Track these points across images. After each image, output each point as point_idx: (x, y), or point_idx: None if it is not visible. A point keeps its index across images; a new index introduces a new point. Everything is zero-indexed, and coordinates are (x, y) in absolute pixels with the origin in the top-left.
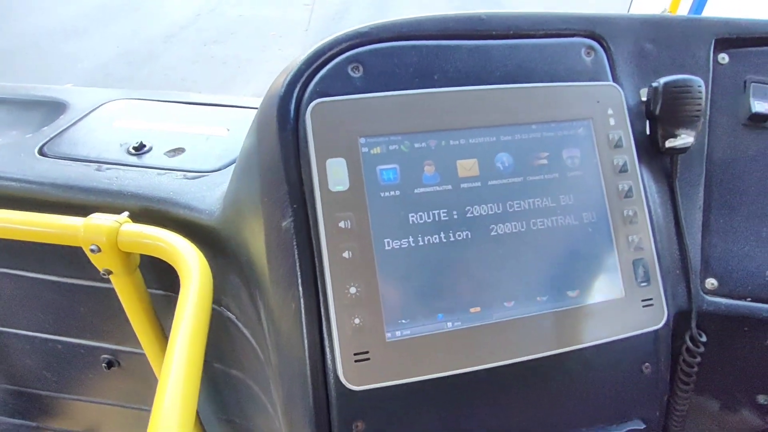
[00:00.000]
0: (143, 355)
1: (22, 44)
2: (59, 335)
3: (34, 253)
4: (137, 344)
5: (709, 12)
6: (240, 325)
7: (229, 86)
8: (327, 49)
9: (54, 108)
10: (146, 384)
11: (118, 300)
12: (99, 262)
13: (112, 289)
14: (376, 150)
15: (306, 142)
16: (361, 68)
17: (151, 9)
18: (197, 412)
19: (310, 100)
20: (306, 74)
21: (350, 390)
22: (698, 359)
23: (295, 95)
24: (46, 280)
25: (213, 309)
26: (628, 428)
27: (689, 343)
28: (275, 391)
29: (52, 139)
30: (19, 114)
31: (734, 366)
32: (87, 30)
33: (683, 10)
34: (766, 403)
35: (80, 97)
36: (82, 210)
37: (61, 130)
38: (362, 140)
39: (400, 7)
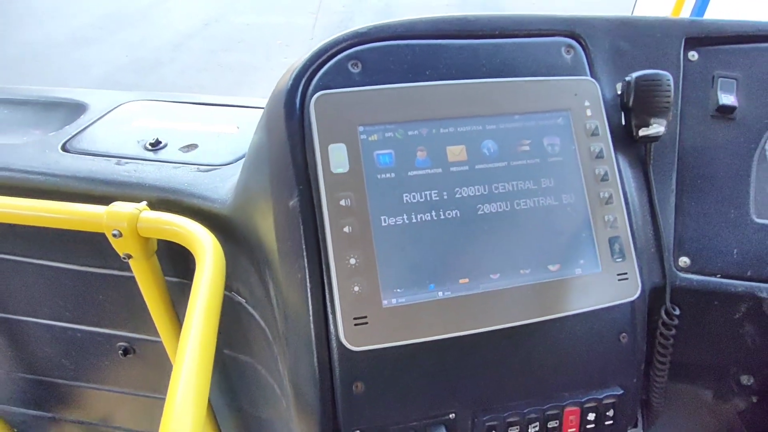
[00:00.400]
0: (157, 342)
1: (33, 52)
2: (78, 323)
3: (56, 243)
4: (152, 332)
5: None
6: (249, 308)
7: (236, 92)
8: (329, 48)
9: (75, 109)
10: (160, 370)
11: (135, 288)
12: (120, 246)
13: (130, 278)
14: (374, 137)
15: (310, 129)
16: (360, 65)
17: (159, 18)
18: (209, 400)
19: (314, 92)
20: (310, 70)
21: (350, 351)
22: (673, 331)
23: (300, 89)
24: (68, 269)
25: (224, 295)
26: (607, 393)
27: (664, 317)
28: (282, 361)
29: (74, 136)
30: (42, 114)
31: (709, 339)
32: (96, 39)
33: (685, 14)
34: (749, 383)
35: (99, 98)
36: (103, 200)
37: (82, 128)
38: (361, 128)
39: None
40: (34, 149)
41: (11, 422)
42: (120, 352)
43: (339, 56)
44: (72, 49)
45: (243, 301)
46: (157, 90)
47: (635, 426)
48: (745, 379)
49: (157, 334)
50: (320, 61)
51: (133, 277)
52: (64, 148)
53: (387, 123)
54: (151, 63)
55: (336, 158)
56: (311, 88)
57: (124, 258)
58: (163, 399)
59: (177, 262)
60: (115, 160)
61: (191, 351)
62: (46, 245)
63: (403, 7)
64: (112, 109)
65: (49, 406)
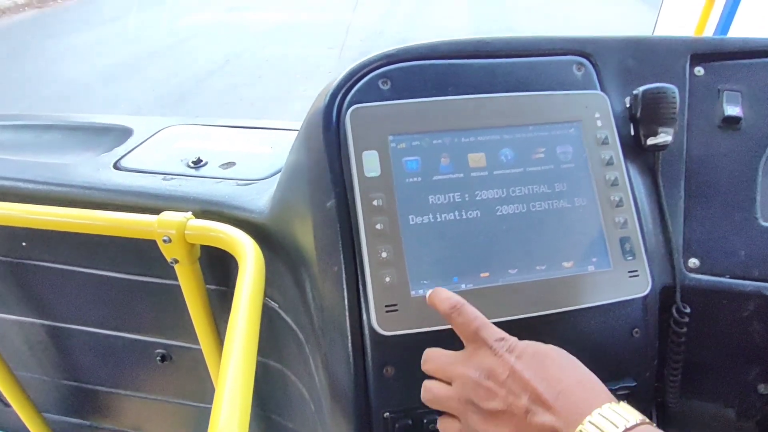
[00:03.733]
0: (192, 349)
1: (65, 91)
2: (120, 331)
3: (104, 253)
4: (188, 338)
5: (734, 33)
6: (282, 312)
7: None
8: (362, 68)
9: (122, 133)
10: (195, 377)
11: (175, 295)
12: (168, 252)
13: (171, 285)
14: (402, 145)
15: (346, 139)
16: (389, 82)
17: (182, 56)
18: None
19: (349, 106)
20: (345, 87)
21: (382, 336)
22: (684, 329)
23: (336, 104)
24: (113, 278)
25: None
26: (621, 384)
27: (675, 315)
28: (315, 360)
29: (123, 156)
30: (93, 138)
31: (720, 338)
32: (123, 76)
33: (709, 32)
34: (766, 392)
35: (143, 123)
36: (153, 211)
37: (130, 149)
38: (391, 137)
39: None
40: (89, 168)
41: (54, 430)
42: (158, 358)
43: (370, 75)
44: (100, 87)
45: (276, 306)
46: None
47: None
48: (763, 388)
49: (193, 340)
50: (354, 79)
51: (174, 285)
52: (115, 167)
53: (414, 133)
54: (175, 98)
55: (369, 164)
56: (346, 103)
57: (172, 262)
58: (197, 406)
59: (216, 270)
60: (161, 176)
61: (237, 352)
62: (95, 255)
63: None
64: (155, 133)
65: (87, 413)
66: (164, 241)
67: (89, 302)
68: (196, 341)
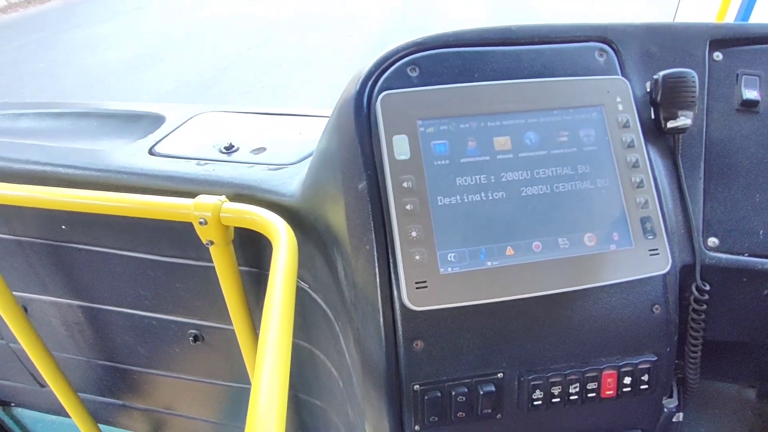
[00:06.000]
0: (224, 329)
1: (89, 80)
2: (155, 312)
3: (141, 235)
4: (220, 319)
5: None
6: (312, 293)
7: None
8: (391, 56)
9: (155, 120)
10: (227, 356)
11: (209, 277)
12: (204, 233)
13: (206, 267)
14: (431, 129)
15: (377, 124)
16: (417, 69)
17: (203, 46)
18: None
19: (380, 92)
20: (375, 74)
21: (412, 311)
22: (705, 307)
23: (367, 91)
24: (150, 260)
25: None
26: (642, 359)
27: (696, 293)
28: (345, 337)
29: (157, 143)
30: (126, 126)
31: (739, 315)
32: (146, 65)
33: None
34: None
35: (175, 111)
36: (187, 195)
37: (163, 136)
38: (420, 122)
39: None
40: (125, 154)
41: (88, 409)
42: (191, 339)
43: (399, 62)
44: (125, 75)
45: (306, 286)
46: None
47: (670, 396)
48: None
49: (224, 321)
50: (383, 67)
51: (209, 266)
52: (150, 152)
53: (442, 117)
54: (197, 86)
55: (399, 147)
56: (376, 89)
57: (207, 244)
58: (229, 386)
59: (249, 252)
60: (195, 161)
61: (273, 333)
62: (132, 238)
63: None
64: (187, 120)
65: (121, 393)
66: (200, 223)
67: (125, 284)
68: (227, 322)
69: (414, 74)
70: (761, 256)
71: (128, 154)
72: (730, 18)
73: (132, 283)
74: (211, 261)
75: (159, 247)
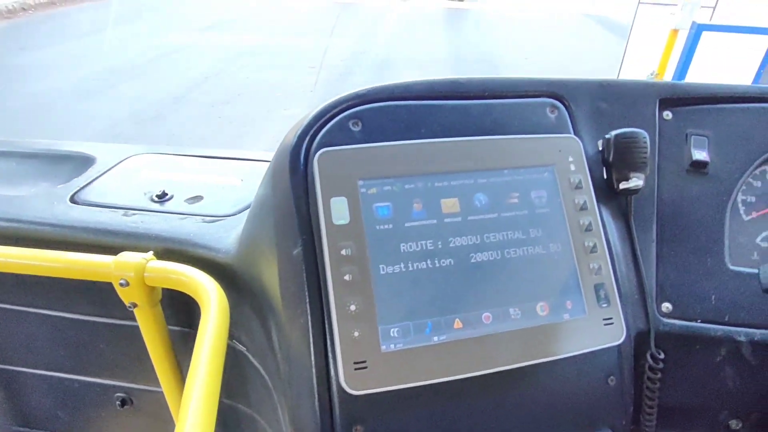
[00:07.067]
0: (155, 392)
1: (36, 104)
2: (77, 374)
3: (60, 293)
4: (150, 381)
5: (692, 76)
6: (250, 356)
7: (237, 144)
8: (331, 108)
9: (83, 161)
10: (157, 422)
11: (136, 337)
12: (126, 295)
13: (132, 326)
14: (373, 190)
15: (314, 183)
16: (360, 123)
17: (160, 72)
18: None
19: (318, 149)
20: (314, 128)
21: (350, 395)
22: (659, 375)
23: (304, 146)
24: (70, 319)
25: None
26: None
27: (650, 360)
28: (283, 408)
29: (82, 188)
30: (50, 167)
31: (694, 382)
32: (97, 91)
33: (668, 75)
34: (738, 428)
35: (106, 151)
36: (111, 250)
37: (90, 180)
38: (361, 182)
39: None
40: (43, 201)
41: None
42: (117, 403)
43: (340, 116)
44: (74, 102)
45: (244, 349)
46: (158, 141)
47: None
48: (734, 424)
49: (155, 384)
50: (323, 120)
51: (135, 326)
52: (72, 200)
53: (385, 177)
54: (151, 115)
55: (337, 210)
56: (315, 145)
57: (130, 307)
58: None
59: (180, 311)
60: (122, 211)
61: (196, 400)
62: (49, 295)
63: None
64: (119, 162)
65: None
66: (121, 284)
67: (42, 344)
68: (158, 384)
69: (356, 129)
70: (713, 322)
71: (47, 201)
72: (669, 71)
73: (50, 343)
74: (134, 320)
75: (78, 305)
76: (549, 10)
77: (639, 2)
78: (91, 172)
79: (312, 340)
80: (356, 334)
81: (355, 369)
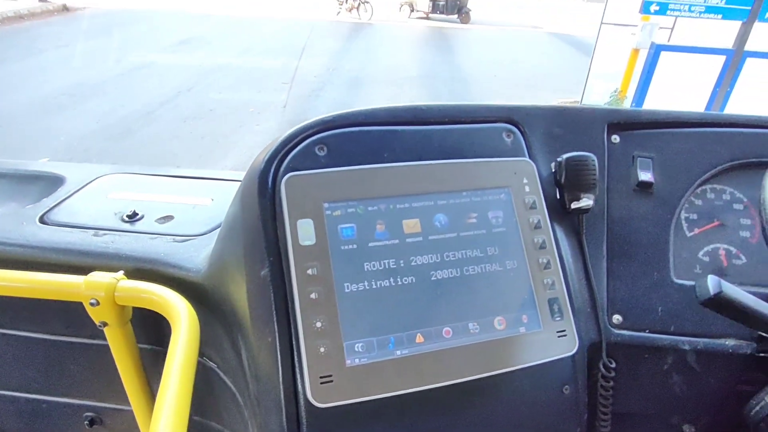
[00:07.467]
0: (124, 411)
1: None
2: (44, 394)
3: (27, 313)
4: (120, 400)
5: (652, 94)
6: (221, 373)
7: (207, 159)
8: (298, 134)
9: (52, 181)
10: None
11: (105, 356)
12: (96, 315)
13: (101, 345)
14: (337, 212)
15: (281, 206)
16: (325, 148)
17: (131, 87)
18: None
19: (285, 173)
20: (281, 153)
21: (317, 408)
22: (612, 383)
23: (272, 170)
24: (38, 339)
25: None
26: None
27: (603, 369)
28: (253, 425)
29: (51, 209)
30: (18, 187)
31: (645, 389)
32: (66, 106)
33: (631, 92)
34: None
35: (76, 171)
36: (80, 271)
37: (59, 201)
38: (326, 205)
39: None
40: (11, 221)
41: None
42: (86, 422)
43: (307, 141)
44: (41, 117)
45: (215, 366)
46: (127, 156)
47: None
48: (687, 429)
49: (125, 402)
50: (290, 145)
51: (104, 345)
52: (41, 220)
53: (349, 200)
54: (121, 130)
55: (304, 232)
56: (282, 169)
57: (100, 326)
58: None
59: (149, 329)
60: (92, 231)
61: (166, 417)
62: (17, 315)
63: (370, 77)
64: (89, 182)
65: None
66: (91, 304)
67: (10, 365)
68: (128, 402)
69: (322, 153)
70: (660, 332)
71: (15, 221)
72: (632, 88)
73: (16, 363)
74: (104, 339)
75: (48, 326)
76: (518, 29)
77: (602, 23)
78: (61, 193)
79: (279, 356)
80: (322, 350)
81: (321, 383)
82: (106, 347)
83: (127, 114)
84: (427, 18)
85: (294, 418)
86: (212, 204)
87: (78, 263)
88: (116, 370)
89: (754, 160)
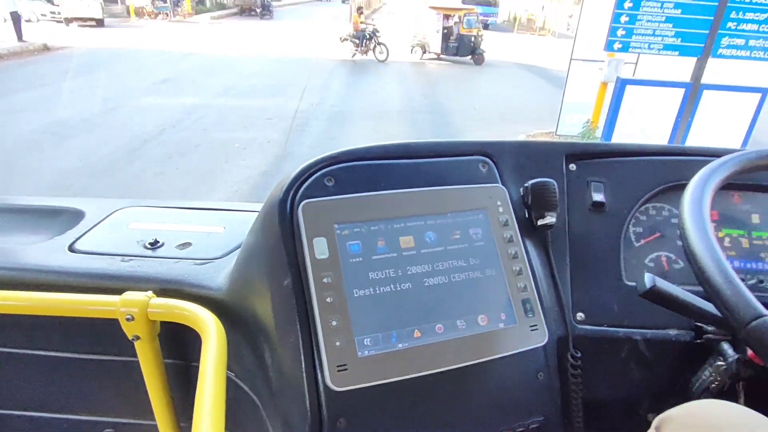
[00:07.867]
0: (144, 425)
1: None
2: (66, 413)
3: (55, 334)
4: (139, 415)
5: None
6: (239, 381)
7: (192, 195)
8: (310, 167)
9: (74, 215)
10: None
11: (129, 372)
12: (130, 329)
13: (126, 362)
14: (346, 232)
15: (299, 227)
16: (333, 179)
17: (115, 125)
18: None
19: (301, 200)
20: (296, 184)
21: (335, 391)
22: (579, 371)
23: (290, 198)
24: (66, 358)
25: None
26: (532, 420)
27: (570, 359)
28: (272, 422)
29: (78, 239)
30: (41, 221)
31: (607, 376)
32: (48, 144)
33: (601, 122)
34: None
35: (94, 205)
36: (112, 292)
37: (83, 232)
38: (336, 226)
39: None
40: (43, 251)
41: None
42: None
43: (317, 173)
44: (22, 155)
45: (233, 375)
46: (110, 193)
47: None
48: (651, 417)
49: (144, 416)
50: (304, 177)
51: (127, 361)
52: (71, 249)
53: (355, 222)
54: (104, 166)
55: (319, 248)
56: (298, 197)
57: (133, 339)
58: None
59: (171, 344)
60: (119, 257)
61: (206, 425)
62: (45, 336)
63: (352, 112)
64: (109, 215)
65: None
66: (127, 319)
67: (32, 385)
68: (147, 417)
69: (330, 183)
70: (616, 326)
71: (47, 251)
72: (600, 125)
73: (41, 384)
74: (130, 355)
75: (75, 345)
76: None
77: (571, 59)
78: (83, 225)
79: (303, 352)
80: (338, 343)
81: (338, 371)
82: (128, 363)
83: (111, 151)
84: (438, 59)
85: (315, 402)
86: (224, 231)
87: (110, 286)
88: (137, 385)
89: (684, 182)
